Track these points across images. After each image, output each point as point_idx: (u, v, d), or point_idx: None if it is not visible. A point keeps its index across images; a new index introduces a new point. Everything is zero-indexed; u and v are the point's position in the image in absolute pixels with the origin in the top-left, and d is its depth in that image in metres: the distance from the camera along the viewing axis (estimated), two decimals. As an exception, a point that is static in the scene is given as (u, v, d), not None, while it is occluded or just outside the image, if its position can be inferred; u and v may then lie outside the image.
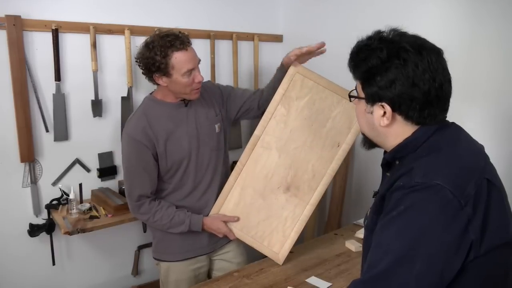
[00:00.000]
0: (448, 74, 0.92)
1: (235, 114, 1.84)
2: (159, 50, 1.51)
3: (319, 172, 1.69)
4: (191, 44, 1.59)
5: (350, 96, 1.03)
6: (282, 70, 1.73)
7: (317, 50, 1.67)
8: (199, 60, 1.62)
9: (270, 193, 1.69)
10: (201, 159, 1.70)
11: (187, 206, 1.73)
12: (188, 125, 1.67)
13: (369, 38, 0.95)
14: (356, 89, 1.01)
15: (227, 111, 1.82)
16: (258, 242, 1.71)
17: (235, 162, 1.76)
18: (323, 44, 1.66)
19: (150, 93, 1.73)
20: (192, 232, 1.72)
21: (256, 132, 1.68)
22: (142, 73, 1.61)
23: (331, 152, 1.69)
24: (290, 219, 1.69)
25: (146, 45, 1.56)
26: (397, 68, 0.88)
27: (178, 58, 1.53)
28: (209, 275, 1.89)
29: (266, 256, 1.72)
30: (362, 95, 0.97)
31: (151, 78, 1.61)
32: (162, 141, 1.62)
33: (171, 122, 1.64)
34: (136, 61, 1.61)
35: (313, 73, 1.69)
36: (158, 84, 1.63)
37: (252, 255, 1.78)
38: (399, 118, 0.93)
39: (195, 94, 1.63)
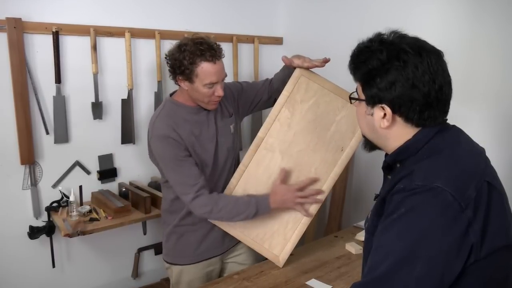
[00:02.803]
0: (448, 76, 0.92)
1: (248, 108, 1.85)
2: (188, 56, 1.52)
3: (322, 175, 1.69)
4: (221, 58, 1.59)
5: (350, 98, 1.03)
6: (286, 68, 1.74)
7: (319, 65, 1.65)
8: (225, 75, 1.62)
9: None
10: (220, 160, 1.71)
11: None
12: (209, 128, 1.68)
13: (370, 40, 0.95)
14: (356, 91, 1.01)
15: (240, 108, 1.82)
16: (258, 244, 1.70)
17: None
18: (327, 61, 1.63)
19: (170, 95, 1.72)
20: (205, 234, 1.72)
21: (259, 134, 1.67)
22: (169, 70, 1.61)
23: (334, 156, 1.68)
24: (292, 222, 1.69)
25: (179, 46, 1.56)
26: (397, 70, 0.88)
27: (204, 69, 1.53)
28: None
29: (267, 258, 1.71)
30: (363, 97, 0.97)
31: (174, 78, 1.62)
32: (189, 144, 1.62)
33: (195, 127, 1.64)
34: (165, 58, 1.62)
35: (318, 76, 1.68)
36: (180, 86, 1.63)
37: (263, 258, 1.77)
38: (399, 120, 0.93)
39: (212, 105, 1.64)
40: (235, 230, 1.70)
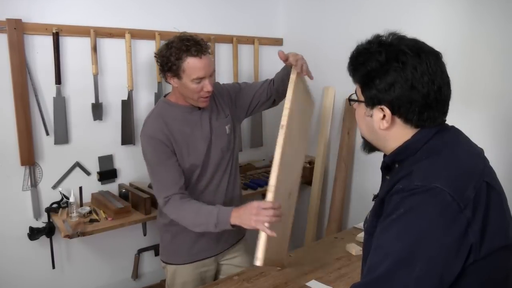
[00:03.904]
0: (447, 77, 0.93)
1: (246, 109, 1.84)
2: (174, 52, 1.54)
3: (299, 171, 1.70)
4: (208, 54, 1.60)
5: (350, 100, 1.04)
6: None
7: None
8: (214, 70, 1.62)
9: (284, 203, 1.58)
10: (212, 160, 1.71)
11: None
12: (202, 128, 1.68)
13: (368, 42, 0.95)
14: (356, 93, 1.01)
15: (238, 109, 1.82)
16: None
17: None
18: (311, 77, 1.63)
19: (164, 96, 1.74)
20: (200, 235, 1.72)
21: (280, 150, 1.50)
22: (159, 69, 1.63)
23: (299, 168, 1.72)
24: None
25: (167, 44, 1.59)
26: (396, 71, 0.89)
27: (190, 64, 1.54)
28: (216, 279, 1.87)
29: None
30: (362, 98, 0.97)
31: (164, 76, 1.63)
32: (179, 144, 1.63)
33: (187, 126, 1.65)
34: (154, 57, 1.64)
35: (305, 83, 1.66)
36: (170, 83, 1.65)
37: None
38: (398, 121, 0.93)
39: (203, 102, 1.64)
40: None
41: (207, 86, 1.58)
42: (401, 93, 0.89)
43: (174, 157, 1.63)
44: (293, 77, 1.61)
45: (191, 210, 1.57)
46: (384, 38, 0.94)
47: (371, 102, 0.94)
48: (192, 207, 1.58)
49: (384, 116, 0.93)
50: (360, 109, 1.00)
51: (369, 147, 1.06)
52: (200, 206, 1.57)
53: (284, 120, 1.53)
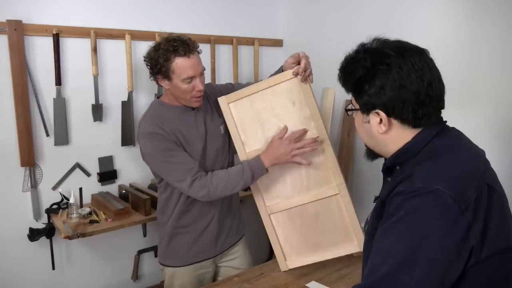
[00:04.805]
0: (437, 72, 0.93)
1: None
2: (162, 53, 1.54)
3: None
4: (197, 53, 1.59)
5: (346, 110, 1.05)
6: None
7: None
8: (203, 69, 1.62)
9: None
10: (208, 161, 1.70)
11: (195, 208, 1.71)
12: (197, 128, 1.68)
13: (355, 51, 0.97)
14: (352, 102, 1.02)
15: None
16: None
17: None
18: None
19: (158, 97, 1.73)
20: (198, 237, 1.72)
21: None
22: (149, 72, 1.63)
23: None
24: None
25: (155, 46, 1.59)
26: (383, 74, 0.90)
27: (178, 64, 1.54)
28: (214, 281, 1.87)
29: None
30: (357, 106, 0.99)
31: (155, 79, 1.63)
32: (177, 143, 1.62)
33: (183, 126, 1.65)
34: (144, 60, 1.64)
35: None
36: (162, 86, 1.64)
37: (259, 261, 1.76)
38: (395, 122, 0.94)
39: (196, 102, 1.63)
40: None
41: (198, 85, 1.58)
42: (391, 94, 0.90)
43: (176, 144, 1.61)
44: (308, 88, 1.57)
45: (222, 178, 1.58)
46: (369, 45, 0.96)
47: (366, 108, 0.96)
48: (221, 175, 1.59)
49: (381, 120, 0.94)
50: (358, 117, 1.01)
51: (372, 155, 1.07)
52: (228, 170, 1.61)
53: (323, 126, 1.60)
